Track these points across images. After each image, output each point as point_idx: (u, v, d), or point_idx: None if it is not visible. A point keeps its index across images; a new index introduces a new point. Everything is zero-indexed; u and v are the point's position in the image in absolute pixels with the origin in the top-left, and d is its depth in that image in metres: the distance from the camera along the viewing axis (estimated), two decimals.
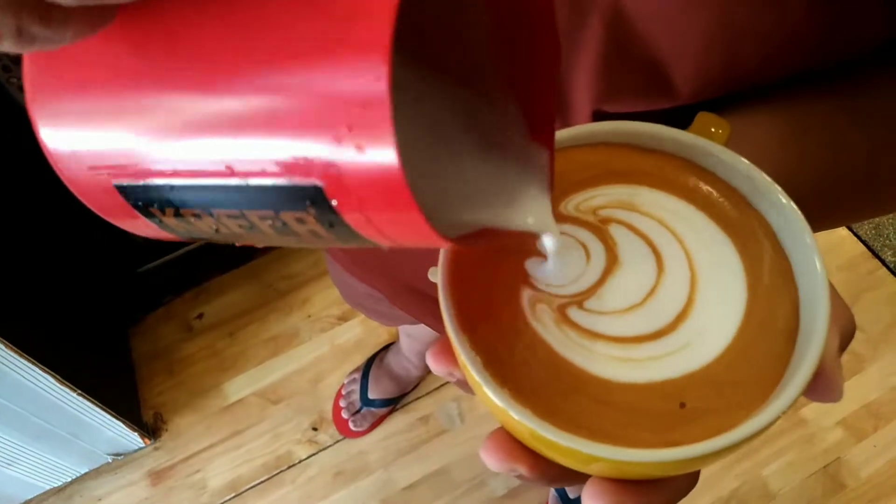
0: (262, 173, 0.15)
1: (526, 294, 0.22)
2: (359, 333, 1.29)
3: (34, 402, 0.92)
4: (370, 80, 0.13)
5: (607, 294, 0.22)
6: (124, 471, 1.19)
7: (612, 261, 0.22)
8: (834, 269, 1.34)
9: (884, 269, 1.34)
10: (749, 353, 0.20)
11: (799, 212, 0.22)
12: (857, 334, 0.21)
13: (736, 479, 1.13)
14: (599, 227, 0.23)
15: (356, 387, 1.20)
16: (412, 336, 1.11)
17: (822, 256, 0.21)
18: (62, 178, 0.18)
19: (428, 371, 1.22)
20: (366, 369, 1.21)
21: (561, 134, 0.25)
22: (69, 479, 1.14)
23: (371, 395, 1.18)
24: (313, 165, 0.14)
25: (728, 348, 0.20)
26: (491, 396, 0.20)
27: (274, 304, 1.33)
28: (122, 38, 0.16)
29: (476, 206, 0.21)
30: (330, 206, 0.15)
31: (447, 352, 0.22)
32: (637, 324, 0.21)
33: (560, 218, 0.24)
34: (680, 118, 0.28)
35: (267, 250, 1.36)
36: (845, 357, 0.45)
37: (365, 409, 1.18)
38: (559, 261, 0.22)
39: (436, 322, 0.59)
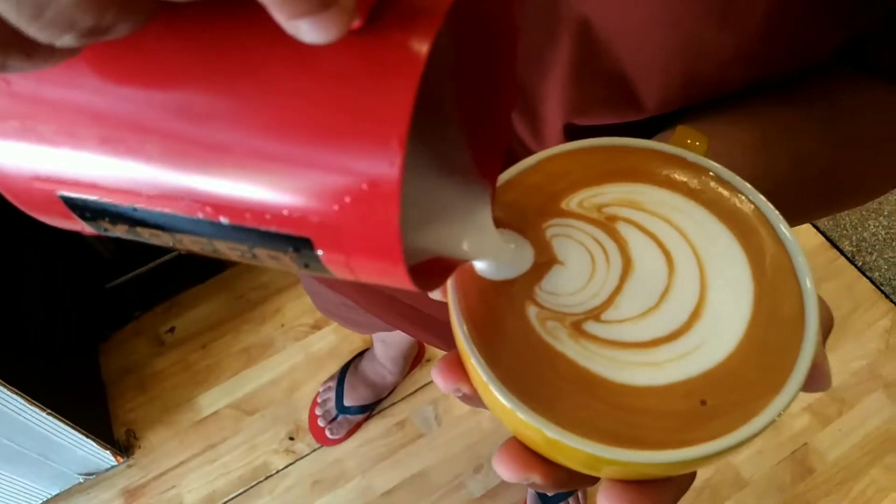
0: (250, 220, 0.15)
1: (542, 308, 0.22)
2: (333, 341, 1.29)
3: (2, 424, 0.90)
4: (384, 165, 0.13)
5: (625, 300, 0.22)
6: (97, 490, 1.17)
7: (626, 264, 0.22)
8: None
9: (842, 258, 1.39)
10: (761, 344, 0.21)
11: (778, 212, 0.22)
12: None
13: (708, 469, 1.16)
14: (608, 226, 0.23)
15: (332, 394, 1.20)
16: (386, 342, 1.12)
17: (804, 253, 0.21)
18: None
19: (403, 376, 1.23)
20: (341, 377, 1.21)
21: (560, 147, 0.25)
22: (39, 502, 1.12)
23: (347, 403, 1.18)
24: (308, 222, 0.14)
25: (741, 342, 0.21)
26: (509, 406, 0.20)
27: (246, 314, 1.32)
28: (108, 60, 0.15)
29: (430, 234, 0.21)
30: (313, 253, 0.15)
31: (455, 367, 0.22)
32: (654, 327, 0.21)
33: (564, 214, 0.24)
34: (649, 130, 0.29)
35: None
36: None
37: (341, 417, 1.18)
38: (570, 268, 0.22)
39: (410, 327, 0.59)
